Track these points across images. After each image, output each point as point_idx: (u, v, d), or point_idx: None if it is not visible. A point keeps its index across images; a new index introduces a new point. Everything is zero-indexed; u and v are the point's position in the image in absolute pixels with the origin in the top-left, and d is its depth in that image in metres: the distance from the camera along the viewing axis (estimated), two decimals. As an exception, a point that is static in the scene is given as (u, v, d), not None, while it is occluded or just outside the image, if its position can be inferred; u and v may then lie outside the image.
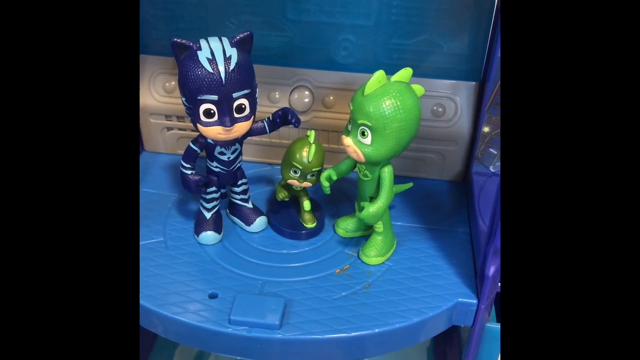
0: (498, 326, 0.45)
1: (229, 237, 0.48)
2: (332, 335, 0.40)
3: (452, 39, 0.50)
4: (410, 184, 0.52)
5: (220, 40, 0.40)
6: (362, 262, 0.46)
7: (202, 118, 0.41)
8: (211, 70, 0.39)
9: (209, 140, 0.44)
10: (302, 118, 0.52)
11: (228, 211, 0.50)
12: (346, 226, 0.48)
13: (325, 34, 0.51)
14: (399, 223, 0.50)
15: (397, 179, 0.46)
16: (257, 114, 0.43)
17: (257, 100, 0.43)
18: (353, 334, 0.40)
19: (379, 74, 0.39)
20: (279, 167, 0.47)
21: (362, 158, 0.41)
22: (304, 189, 0.47)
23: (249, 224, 0.48)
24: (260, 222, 0.48)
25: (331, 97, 0.53)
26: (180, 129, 0.56)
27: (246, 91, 0.41)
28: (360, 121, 0.39)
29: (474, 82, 0.52)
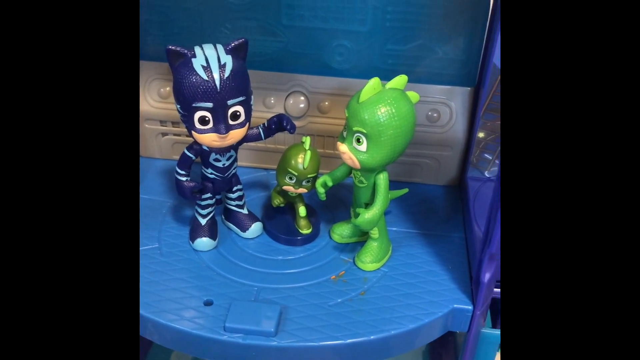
0: (493, 332, 0.45)
1: (224, 243, 0.48)
2: (328, 343, 0.40)
3: (447, 44, 0.50)
4: (406, 190, 0.52)
5: (215, 48, 0.40)
6: (358, 268, 0.46)
7: (197, 125, 0.41)
8: (206, 78, 0.39)
9: (204, 147, 0.44)
10: (297, 123, 0.52)
11: (223, 217, 0.50)
12: (342, 232, 0.48)
13: (320, 40, 0.51)
14: (395, 228, 0.50)
15: (393, 184, 0.46)
16: (252, 119, 0.43)
17: (252, 106, 0.43)
18: (349, 340, 0.40)
19: (374, 81, 0.39)
20: (275, 172, 0.47)
21: (357, 165, 0.41)
22: (300, 195, 0.47)
23: (244, 230, 0.48)
24: (255, 228, 0.48)
25: (326, 103, 0.53)
26: (175, 135, 0.56)
27: (241, 98, 0.41)
28: (355, 128, 0.40)
29: (468, 88, 0.52)
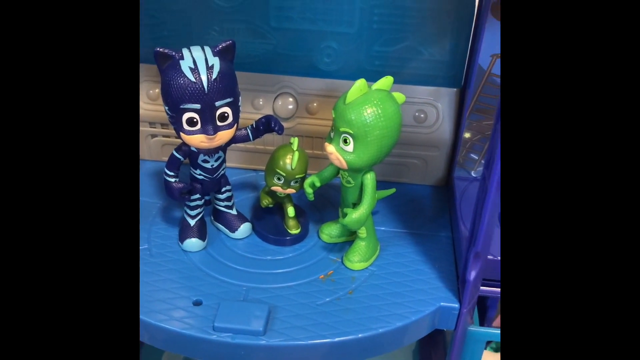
0: (480, 329, 0.46)
1: (213, 243, 0.48)
2: (316, 341, 0.40)
3: (433, 46, 0.51)
4: (393, 190, 0.53)
5: (203, 50, 0.40)
6: (346, 267, 0.46)
7: (185, 127, 0.41)
8: (193, 80, 0.39)
9: (193, 148, 0.44)
10: (286, 124, 0.53)
11: (212, 218, 0.50)
12: (330, 232, 0.49)
13: (308, 42, 0.52)
14: (382, 228, 0.50)
15: (380, 184, 0.46)
16: (241, 120, 0.44)
17: (241, 107, 0.43)
18: (337, 339, 0.40)
19: (360, 82, 0.39)
20: (263, 173, 0.48)
21: (344, 165, 0.41)
22: (288, 195, 0.48)
23: (233, 230, 0.49)
24: (244, 228, 0.49)
25: (315, 104, 0.54)
26: (164, 136, 0.57)
27: (229, 100, 0.41)
28: (342, 129, 0.40)
29: (454, 89, 0.52)
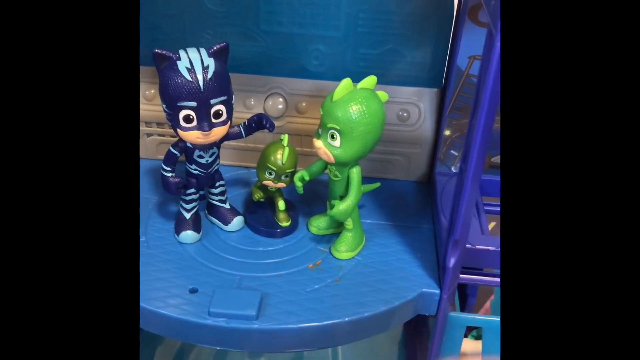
0: (461, 315, 0.49)
1: (207, 236, 0.51)
2: (306, 325, 0.42)
3: (415, 49, 0.53)
4: (378, 184, 0.55)
5: (199, 51, 0.43)
6: (334, 257, 0.49)
7: (182, 123, 0.44)
8: (190, 79, 0.42)
9: (188, 145, 0.46)
10: (276, 123, 0.55)
11: (206, 212, 0.53)
12: (319, 224, 0.51)
13: (297, 44, 0.54)
14: (368, 221, 0.53)
15: (366, 179, 0.49)
16: (233, 119, 0.46)
17: (234, 106, 0.46)
18: (325, 322, 0.43)
19: (346, 81, 0.42)
20: (255, 170, 0.50)
21: (332, 159, 0.44)
22: (279, 189, 0.50)
23: (226, 223, 0.51)
24: (237, 221, 0.51)
25: (304, 104, 0.56)
26: (160, 135, 0.59)
27: (223, 98, 0.44)
28: (329, 125, 0.43)
29: (435, 89, 0.55)
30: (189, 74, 0.42)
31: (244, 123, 0.49)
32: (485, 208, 0.55)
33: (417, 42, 0.53)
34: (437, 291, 0.46)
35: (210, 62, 0.43)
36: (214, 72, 0.42)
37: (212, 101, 0.43)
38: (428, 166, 0.58)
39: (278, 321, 0.43)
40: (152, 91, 0.57)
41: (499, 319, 0.50)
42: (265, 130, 0.48)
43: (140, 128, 0.58)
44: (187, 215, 0.50)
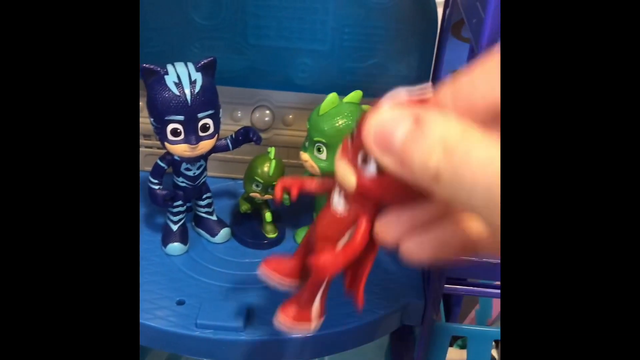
0: (446, 324, 0.49)
1: (195, 247, 0.51)
2: (292, 336, 0.43)
3: (400, 63, 0.54)
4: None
5: (186, 66, 0.44)
6: (320, 268, 0.49)
7: (170, 137, 0.44)
8: (178, 93, 0.42)
9: (176, 157, 0.47)
10: (263, 136, 0.56)
11: (194, 223, 0.53)
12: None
13: (284, 58, 0.55)
14: (354, 232, 0.54)
15: (352, 191, 0.50)
16: (220, 132, 0.47)
17: (221, 119, 0.46)
18: (311, 334, 0.43)
19: (332, 96, 0.43)
20: (242, 181, 0.51)
21: (318, 171, 0.45)
22: (266, 201, 0.51)
23: (213, 235, 0.52)
24: (224, 233, 0.52)
25: (290, 116, 0.57)
26: (147, 147, 0.59)
27: (210, 112, 0.44)
28: (316, 138, 0.43)
29: (420, 102, 0.56)
30: (177, 88, 0.42)
31: (231, 136, 0.49)
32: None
33: (402, 57, 0.54)
34: (422, 301, 0.47)
35: (198, 77, 0.43)
36: (202, 87, 0.43)
37: (200, 115, 0.43)
38: (413, 178, 0.59)
39: (265, 332, 0.43)
40: (140, 104, 0.57)
41: (484, 329, 0.51)
42: (252, 143, 0.48)
43: (128, 140, 0.59)
44: (174, 227, 0.50)
